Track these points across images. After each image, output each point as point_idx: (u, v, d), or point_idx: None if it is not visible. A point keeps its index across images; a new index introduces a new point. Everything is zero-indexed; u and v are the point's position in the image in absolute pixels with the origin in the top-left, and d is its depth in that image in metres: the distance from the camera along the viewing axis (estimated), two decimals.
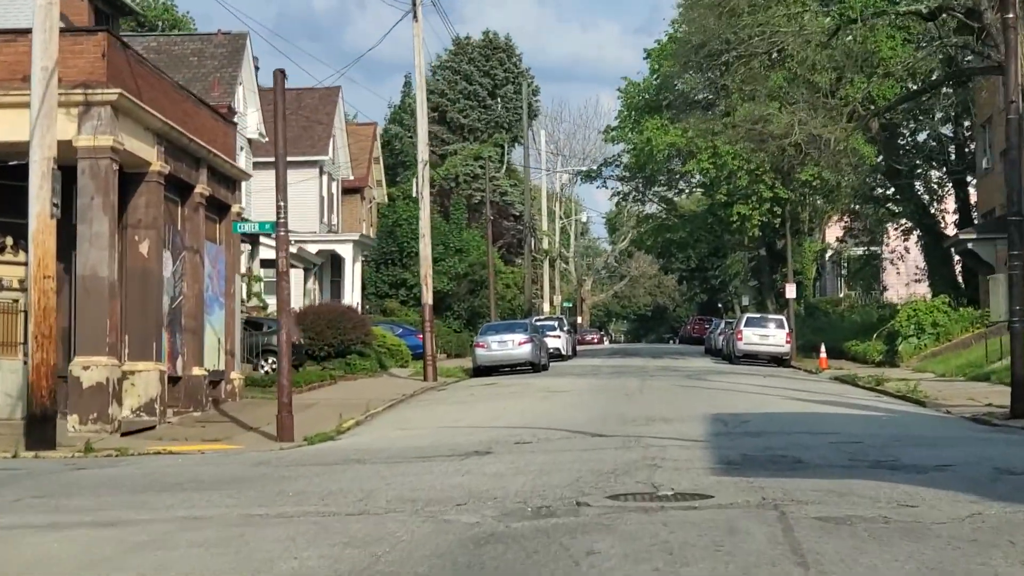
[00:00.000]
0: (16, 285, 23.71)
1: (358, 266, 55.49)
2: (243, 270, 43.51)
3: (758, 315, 54.09)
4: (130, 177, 24.18)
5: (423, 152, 41.24)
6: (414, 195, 51.91)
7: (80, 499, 12.75)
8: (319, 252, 52.94)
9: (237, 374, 30.31)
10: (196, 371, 27.30)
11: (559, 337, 55.19)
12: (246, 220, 28.55)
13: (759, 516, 10.22)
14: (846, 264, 78.74)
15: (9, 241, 23.94)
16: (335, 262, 55.04)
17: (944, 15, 36.21)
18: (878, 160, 53.77)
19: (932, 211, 57.62)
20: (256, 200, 46.03)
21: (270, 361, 35.89)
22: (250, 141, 48.40)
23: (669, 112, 59.11)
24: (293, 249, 48.77)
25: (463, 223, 67.90)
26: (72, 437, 21.11)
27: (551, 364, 46.92)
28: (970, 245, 47.10)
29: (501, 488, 12.53)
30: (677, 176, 65.78)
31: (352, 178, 62.37)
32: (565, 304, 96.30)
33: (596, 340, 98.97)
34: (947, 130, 57.80)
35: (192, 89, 37.58)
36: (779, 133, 39.83)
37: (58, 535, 10.24)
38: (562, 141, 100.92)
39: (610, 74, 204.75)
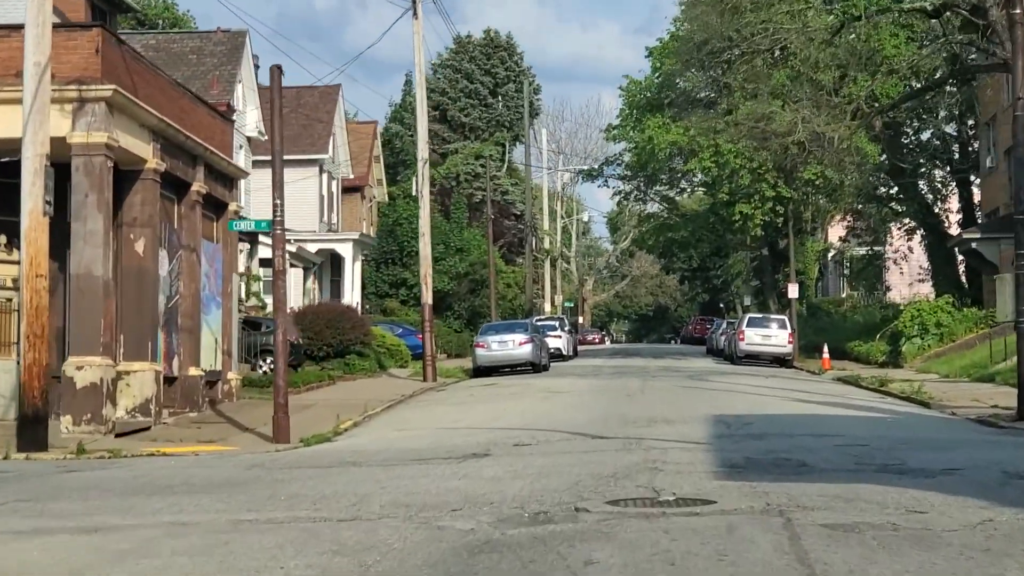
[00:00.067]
0: (10, 284, 23.41)
1: (358, 265, 55.19)
2: (241, 269, 43.22)
3: (760, 315, 53.76)
4: (125, 174, 23.87)
5: (423, 150, 40.94)
6: (414, 194, 51.63)
7: (67, 503, 12.44)
8: (319, 251, 52.64)
9: (234, 374, 29.99)
10: (192, 371, 26.98)
11: (560, 337, 54.87)
12: (243, 218, 28.20)
13: (764, 523, 9.90)
14: (848, 264, 78.37)
15: (2, 239, 23.62)
16: (335, 261, 54.73)
17: (949, 12, 35.85)
18: (881, 159, 53.46)
19: (936, 210, 57.28)
20: (256, 199, 45.72)
21: (268, 361, 35.56)
22: (249, 139, 48.11)
23: (671, 110, 58.75)
24: (292, 248, 48.61)
25: (464, 222, 67.57)
26: (65, 438, 20.81)
27: (552, 364, 46.60)
28: (974, 245, 46.77)
29: (498, 492, 12.21)
30: (679, 175, 65.44)
31: (352, 177, 62.07)
32: (566, 304, 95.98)
33: (597, 340, 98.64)
34: (951, 129, 57.47)
35: (191, 87, 37.30)
36: (782, 131, 39.48)
37: (40, 541, 9.93)
38: (563, 140, 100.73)
39: (611, 74, 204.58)
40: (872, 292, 76.05)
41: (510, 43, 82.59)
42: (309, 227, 53.56)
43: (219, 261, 29.45)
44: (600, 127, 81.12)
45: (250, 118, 47.73)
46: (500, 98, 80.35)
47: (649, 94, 61.93)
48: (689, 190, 71.77)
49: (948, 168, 58.09)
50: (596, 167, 74.57)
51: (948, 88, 49.64)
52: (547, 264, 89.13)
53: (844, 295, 78.45)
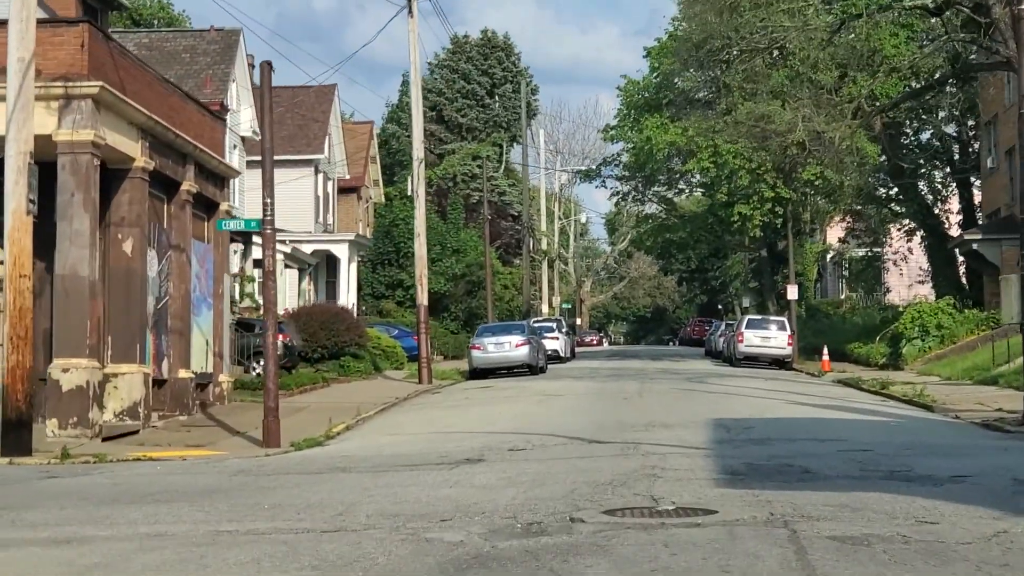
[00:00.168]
0: None
1: (354, 266, 54.71)
2: (235, 270, 42.76)
3: (759, 317, 53.30)
4: (113, 173, 23.43)
5: (419, 150, 40.50)
6: (410, 194, 51.14)
7: (42, 512, 11.96)
8: (314, 252, 52.16)
9: (226, 376, 29.51)
10: (182, 373, 26.52)
11: (557, 339, 54.41)
12: (234, 218, 27.74)
13: (768, 535, 9.41)
14: (847, 265, 77.92)
15: None
16: (330, 262, 54.25)
17: (951, 10, 35.41)
18: (881, 159, 53.03)
19: (936, 211, 56.86)
20: (250, 198, 45.23)
21: (261, 363, 35.01)
22: (244, 139, 47.63)
23: (669, 111, 58.30)
24: (287, 249, 48.18)
25: (461, 223, 67.09)
26: (51, 442, 20.37)
27: (549, 366, 46.14)
28: (975, 246, 46.32)
29: (490, 501, 11.74)
30: (677, 176, 64.97)
31: (348, 177, 61.58)
32: (564, 305, 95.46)
33: (595, 342, 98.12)
34: (951, 129, 57.03)
35: (184, 86, 36.84)
36: (782, 130, 39.02)
37: (5, 555, 9.44)
38: (561, 141, 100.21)
39: (609, 77, 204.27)
40: (871, 294, 75.59)
41: (507, 43, 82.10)
42: (304, 228, 53.09)
43: (210, 261, 28.99)
44: (598, 128, 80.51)
45: (244, 117, 47.24)
46: (497, 98, 79.86)
47: (647, 94, 61.49)
48: (687, 191, 71.29)
49: (948, 169, 57.66)
50: (594, 168, 74.11)
51: (949, 88, 49.20)
52: (544, 265, 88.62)
53: (843, 297, 78.01)
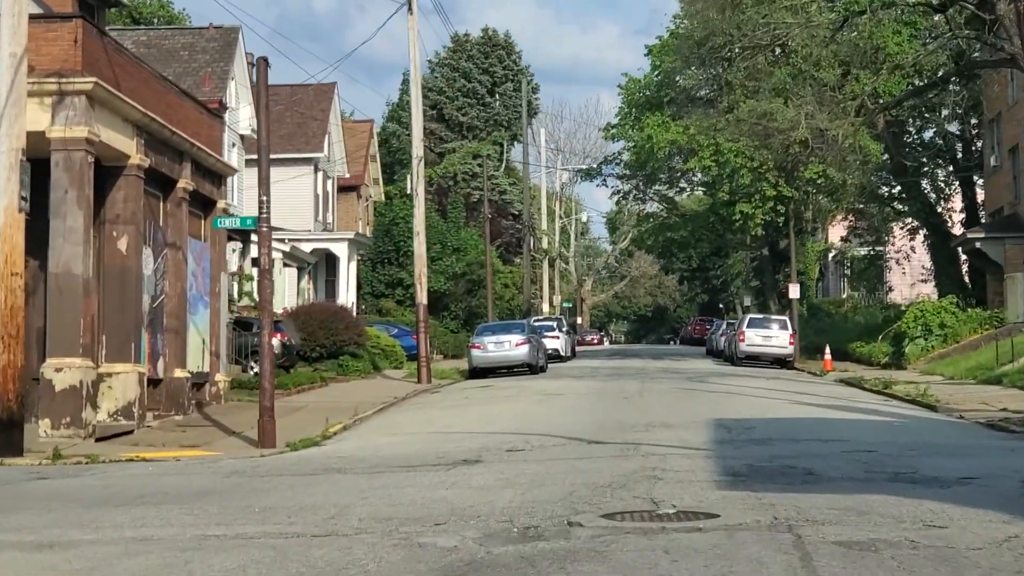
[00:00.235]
0: None
1: (353, 265, 54.42)
2: (234, 268, 42.49)
3: (761, 316, 53.04)
4: (108, 170, 23.19)
5: (418, 147, 40.24)
6: (409, 192, 50.85)
7: (27, 515, 11.68)
8: (313, 251, 51.87)
9: (222, 376, 29.24)
10: (178, 373, 26.25)
11: (557, 338, 54.14)
12: (230, 215, 27.49)
13: (772, 540, 9.13)
14: (849, 264, 77.59)
15: None
16: (330, 261, 53.97)
17: (955, 6, 35.08)
18: (883, 158, 52.71)
19: (939, 210, 56.53)
20: (249, 196, 44.91)
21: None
22: (243, 137, 47.32)
23: (670, 109, 58.01)
24: (286, 248, 47.90)
25: (461, 222, 66.79)
26: (43, 443, 20.12)
27: (549, 365, 45.88)
28: (978, 244, 46.04)
29: (487, 504, 11.45)
30: (678, 174, 64.67)
31: (348, 176, 61.29)
32: (565, 304, 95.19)
33: (596, 341, 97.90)
34: (954, 128, 56.71)
35: (183, 84, 36.58)
36: (784, 128, 38.70)
37: None
38: (562, 140, 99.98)
39: (610, 76, 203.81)
40: (873, 293, 75.26)
41: (508, 42, 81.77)
42: (304, 226, 52.82)
43: (207, 260, 28.73)
44: (599, 127, 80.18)
45: (243, 115, 46.94)
46: (498, 97, 79.54)
47: (648, 92, 61.20)
48: (689, 190, 70.99)
49: (951, 167, 57.34)
50: (595, 166, 73.82)
51: (952, 87, 48.86)
52: (545, 264, 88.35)
53: (845, 296, 77.70)
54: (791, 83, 42.56)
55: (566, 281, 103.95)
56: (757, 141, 45.40)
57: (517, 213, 76.68)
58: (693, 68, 53.94)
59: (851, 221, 68.67)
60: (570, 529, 9.86)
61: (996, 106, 47.68)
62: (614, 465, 14.75)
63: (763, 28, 38.31)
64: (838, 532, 9.47)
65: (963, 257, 52.82)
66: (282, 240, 47.34)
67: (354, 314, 46.77)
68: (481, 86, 79.08)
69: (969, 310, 44.13)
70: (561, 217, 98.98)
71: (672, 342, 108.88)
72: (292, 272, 49.75)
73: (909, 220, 59.30)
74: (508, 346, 41.68)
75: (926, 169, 57.31)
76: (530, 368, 42.12)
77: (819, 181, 51.57)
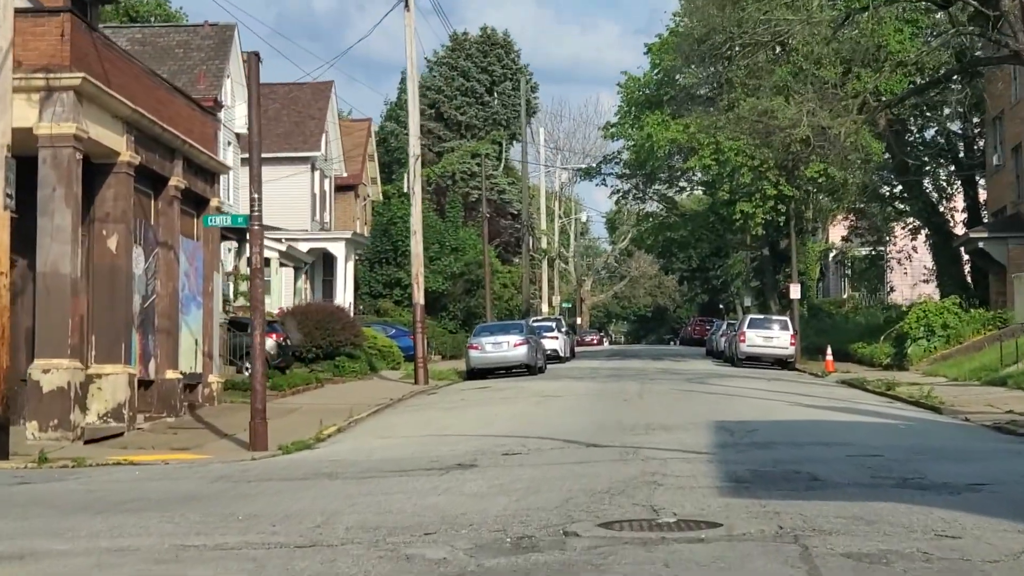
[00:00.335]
0: None
1: (351, 265, 53.98)
2: (230, 268, 42.06)
3: (761, 316, 52.60)
4: (97, 168, 22.77)
5: (415, 146, 39.83)
6: (406, 191, 50.46)
7: (4, 522, 11.24)
8: (310, 250, 51.43)
9: (216, 377, 28.80)
10: (170, 374, 25.81)
11: (556, 338, 53.68)
12: (221, 213, 27.06)
13: (777, 552, 8.68)
14: (850, 264, 77.16)
15: None
16: (327, 261, 53.54)
17: (958, 2, 34.67)
18: (885, 157, 52.28)
19: (940, 209, 56.09)
20: (244, 195, 44.46)
21: None
22: (238, 136, 46.86)
23: (670, 107, 57.55)
24: (282, 247, 47.48)
25: (459, 221, 66.32)
26: (30, 445, 19.70)
27: (548, 366, 45.46)
28: (981, 244, 45.61)
29: (480, 511, 11.01)
30: (678, 173, 64.21)
31: (345, 175, 60.84)
32: (564, 305, 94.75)
33: (595, 341, 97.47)
34: (956, 127, 56.28)
35: (177, 81, 36.15)
36: (786, 125, 38.27)
37: None
38: (562, 140, 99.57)
39: (609, 76, 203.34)
40: (874, 293, 74.79)
41: (507, 40, 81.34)
42: (301, 226, 52.39)
43: (200, 259, 28.29)
44: (599, 126, 79.71)
45: (239, 114, 46.44)
46: (497, 96, 79.10)
47: (648, 91, 60.75)
48: (688, 189, 70.55)
49: (953, 166, 56.90)
50: (594, 165, 73.38)
51: (954, 85, 48.45)
52: (544, 264, 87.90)
53: (846, 296, 77.27)
54: (792, 81, 42.15)
55: (565, 281, 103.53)
56: (758, 139, 44.98)
57: (516, 213, 76.24)
58: (693, 66, 53.47)
59: (852, 221, 68.24)
60: (566, 539, 9.42)
61: (999, 104, 47.25)
62: (613, 470, 14.32)
63: (763, 25, 37.92)
64: (847, 543, 9.03)
65: (965, 257, 52.40)
66: (279, 240, 46.94)
67: (351, 314, 46.33)
68: (480, 85, 78.65)
69: (972, 311, 43.69)
70: (560, 217, 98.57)
71: (672, 343, 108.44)
72: (289, 272, 49.34)
73: (911, 220, 58.87)
74: (506, 347, 41.26)
75: (928, 168, 56.89)
76: (528, 369, 41.70)
77: (820, 180, 51.09)
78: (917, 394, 28.06)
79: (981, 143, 54.11)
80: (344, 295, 52.20)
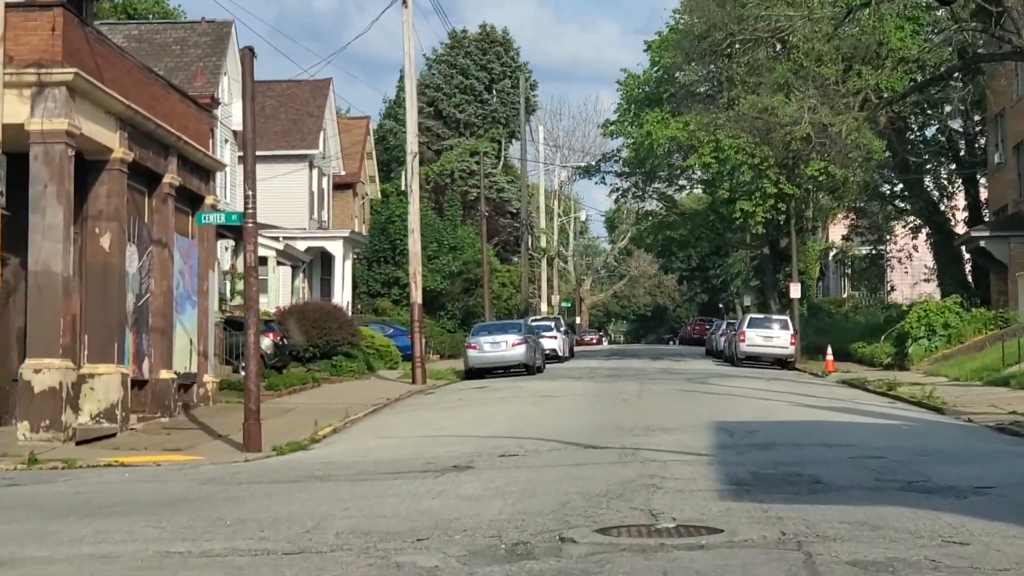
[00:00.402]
0: None
1: (349, 264, 53.66)
2: (226, 267, 41.76)
3: (761, 315, 52.32)
4: (90, 165, 22.46)
5: (412, 143, 39.54)
6: (404, 189, 50.15)
7: None
8: (308, 249, 51.09)
9: (211, 377, 28.49)
10: (164, 374, 25.50)
11: (555, 338, 53.39)
12: (216, 211, 26.76)
13: (780, 559, 8.40)
14: (850, 263, 76.89)
15: None
16: (325, 260, 53.21)
17: None
18: (886, 155, 52.01)
19: (941, 208, 55.81)
20: (241, 193, 44.16)
21: None
22: (236, 133, 46.57)
23: (670, 105, 57.25)
24: (280, 246, 47.15)
25: (458, 220, 65.99)
26: (21, 446, 19.43)
27: (547, 366, 45.19)
28: (982, 243, 45.33)
29: (474, 515, 10.74)
30: (678, 171, 63.91)
31: (343, 173, 60.53)
32: (564, 304, 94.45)
33: (595, 341, 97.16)
34: (957, 125, 56.00)
35: (174, 79, 35.83)
36: (786, 123, 37.98)
37: None
38: (561, 138, 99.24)
39: (609, 75, 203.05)
40: (875, 292, 74.49)
41: (506, 38, 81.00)
42: (298, 224, 52.06)
43: (195, 257, 27.99)
44: (598, 124, 79.37)
45: (236, 111, 45.98)
46: (496, 94, 78.75)
47: (647, 88, 60.46)
48: (688, 187, 70.27)
49: (954, 165, 56.61)
50: (593, 163, 73.08)
51: (955, 83, 48.16)
52: (544, 263, 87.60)
53: (846, 295, 76.99)
54: (792, 78, 41.87)
55: (565, 280, 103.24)
56: (758, 137, 44.68)
57: (515, 211, 75.95)
58: (693, 63, 53.12)
59: (852, 219, 67.95)
60: (562, 546, 9.14)
61: (1000, 102, 46.97)
62: (611, 472, 14.05)
63: (764, 21, 37.64)
64: (851, 550, 8.75)
65: (966, 256, 52.12)
66: (276, 238, 46.63)
67: (349, 313, 46.04)
68: (479, 83, 78.32)
69: (973, 310, 43.42)
70: (560, 216, 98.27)
71: (671, 342, 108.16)
72: (286, 270, 49.02)
73: (911, 218, 58.60)
74: (505, 346, 40.99)
75: (929, 166, 56.60)
76: (527, 369, 41.43)
77: (821, 178, 50.80)
78: (919, 394, 27.79)
79: (982, 141, 53.82)
80: (342, 294, 51.88)
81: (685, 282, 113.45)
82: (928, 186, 56.02)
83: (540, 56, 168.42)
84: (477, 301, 59.29)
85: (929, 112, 54.97)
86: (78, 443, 20.42)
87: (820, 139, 38.01)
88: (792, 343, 46.92)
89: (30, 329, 20.84)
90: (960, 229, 53.78)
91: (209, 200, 28.51)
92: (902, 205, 58.40)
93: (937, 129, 56.49)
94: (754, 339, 47.00)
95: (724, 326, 60.16)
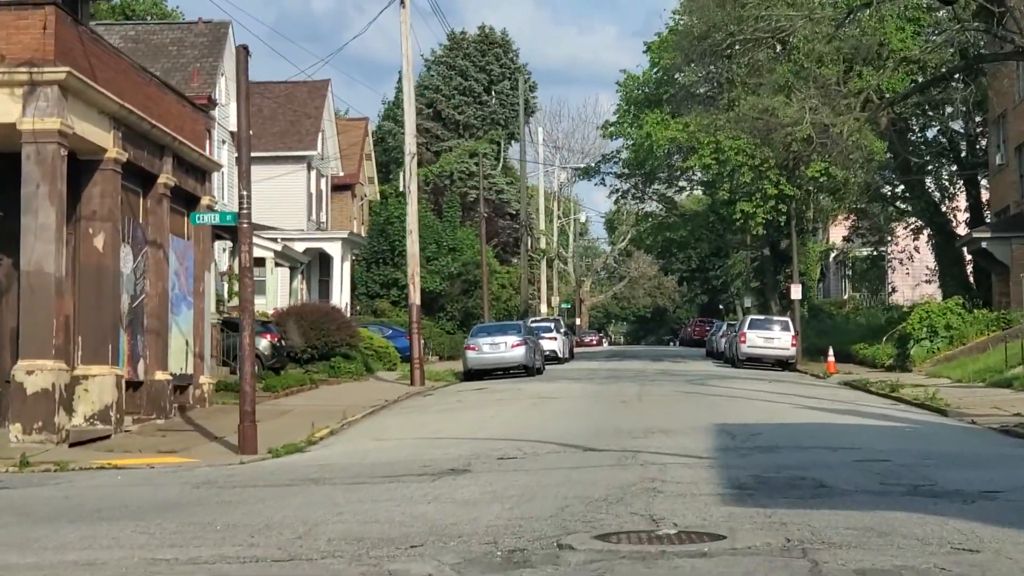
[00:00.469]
0: None
1: (347, 265, 53.40)
2: (224, 268, 41.49)
3: (762, 317, 52.09)
4: (84, 165, 22.22)
5: (411, 144, 39.30)
6: (402, 189, 49.91)
7: None
8: (306, 250, 50.82)
9: (207, 378, 28.23)
10: (159, 375, 25.25)
11: (555, 339, 53.16)
12: (211, 211, 26.51)
13: (786, 568, 8.15)
14: (851, 265, 76.65)
15: None
16: (324, 261, 52.94)
17: None
18: (887, 156, 51.78)
19: (943, 209, 55.56)
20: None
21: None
22: (233, 134, 46.29)
23: (670, 106, 57.02)
24: (278, 247, 46.89)
25: (457, 221, 65.76)
26: (14, 448, 19.19)
27: (546, 367, 44.95)
28: (984, 244, 45.09)
29: (471, 521, 10.48)
30: (678, 173, 63.67)
31: (342, 174, 60.23)
32: (563, 305, 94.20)
33: (595, 342, 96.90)
34: (958, 126, 55.78)
35: (171, 79, 35.62)
36: (787, 124, 37.75)
37: None
38: (560, 139, 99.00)
39: (608, 77, 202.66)
40: (876, 294, 74.23)
41: (505, 40, 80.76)
42: (296, 225, 51.79)
43: (190, 258, 27.73)
44: (598, 125, 79.13)
45: (234, 111, 45.79)
46: (495, 95, 78.50)
47: (647, 89, 60.25)
48: (688, 189, 70.02)
49: (955, 166, 56.37)
50: (593, 164, 72.83)
51: (956, 83, 47.93)
52: (543, 265, 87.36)
53: (846, 297, 76.74)
54: (793, 79, 41.65)
55: (565, 282, 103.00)
56: (758, 138, 44.47)
57: (514, 213, 75.69)
58: (693, 64, 52.88)
59: (853, 221, 67.71)
60: (560, 553, 8.88)
61: (1002, 103, 46.75)
62: (611, 476, 13.79)
63: (764, 22, 37.43)
64: (859, 558, 8.49)
65: (968, 257, 51.88)
66: (274, 239, 46.37)
67: (348, 315, 45.80)
68: (478, 84, 78.08)
69: (975, 311, 43.17)
70: (559, 217, 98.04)
71: (672, 343, 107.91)
72: (284, 272, 48.76)
73: (912, 220, 58.36)
74: (504, 347, 40.75)
75: (930, 167, 56.36)
76: (526, 370, 41.18)
77: (821, 179, 50.56)
78: (922, 396, 27.54)
79: (984, 142, 53.59)
80: (340, 295, 51.63)
81: (685, 283, 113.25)
82: (929, 187, 55.77)
83: (538, 58, 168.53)
84: (476, 302, 59.06)
85: (930, 113, 54.74)
86: (71, 445, 20.19)
87: (821, 140, 37.80)
88: (793, 344, 46.68)
89: (23, 330, 20.62)
90: (961, 230, 53.52)
91: (205, 201, 28.27)
92: (903, 206, 58.15)
93: (938, 130, 56.25)
94: (755, 340, 46.77)
95: (724, 327, 59.93)
